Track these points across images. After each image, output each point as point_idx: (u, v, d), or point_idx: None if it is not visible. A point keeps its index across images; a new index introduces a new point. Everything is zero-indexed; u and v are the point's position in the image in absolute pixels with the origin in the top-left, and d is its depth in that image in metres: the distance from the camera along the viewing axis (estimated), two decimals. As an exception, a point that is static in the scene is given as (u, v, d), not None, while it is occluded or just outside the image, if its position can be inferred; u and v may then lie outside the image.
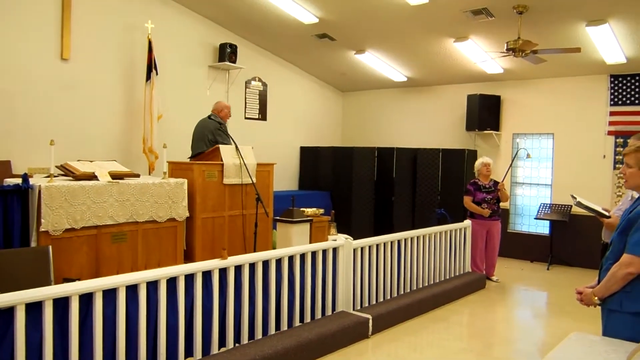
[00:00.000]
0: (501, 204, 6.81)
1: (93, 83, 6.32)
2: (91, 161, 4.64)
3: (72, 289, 2.89)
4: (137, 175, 4.75)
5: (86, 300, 2.95)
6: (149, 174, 6.34)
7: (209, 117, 5.96)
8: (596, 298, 2.54)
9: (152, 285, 3.27)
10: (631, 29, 6.09)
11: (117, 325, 3.07)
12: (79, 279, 3.32)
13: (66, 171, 4.35)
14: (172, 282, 3.38)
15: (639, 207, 2.46)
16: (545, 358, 2.17)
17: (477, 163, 6.88)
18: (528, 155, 7.77)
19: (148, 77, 6.48)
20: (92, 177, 4.28)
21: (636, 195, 2.58)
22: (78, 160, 4.61)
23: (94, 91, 6.33)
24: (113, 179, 4.36)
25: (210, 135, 5.76)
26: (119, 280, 3.10)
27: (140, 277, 3.21)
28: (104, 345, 3.00)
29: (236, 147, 5.41)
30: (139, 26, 6.58)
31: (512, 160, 7.28)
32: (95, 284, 3.00)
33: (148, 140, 6.45)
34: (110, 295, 3.06)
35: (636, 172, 2.51)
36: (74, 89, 6.13)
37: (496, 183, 6.71)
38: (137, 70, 6.67)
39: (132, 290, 3.17)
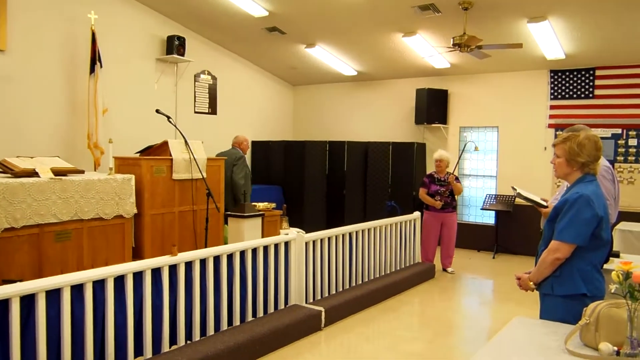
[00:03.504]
0: (456, 196, 6.90)
1: (32, 75, 6.05)
2: (32, 157, 4.44)
3: (13, 290, 2.77)
4: (82, 172, 4.59)
5: (28, 301, 2.84)
6: (95, 170, 6.14)
7: (232, 148, 6.73)
8: (531, 283, 2.67)
9: (99, 285, 3.18)
10: (569, 26, 6.37)
11: (62, 327, 2.97)
12: (21, 280, 3.19)
13: (4, 168, 4.16)
14: (119, 280, 3.30)
15: (565, 196, 2.59)
16: (489, 342, 2.26)
17: (433, 157, 6.96)
18: (476, 148, 7.99)
19: (92, 70, 6.26)
20: (33, 173, 4.11)
21: (569, 185, 2.70)
22: (17, 157, 4.40)
23: (33, 84, 6.06)
24: (55, 175, 4.20)
25: (234, 161, 6.39)
26: (63, 280, 3.00)
27: (86, 276, 3.12)
28: (48, 348, 2.90)
29: (185, 141, 5.32)
30: (81, 17, 6.33)
31: (461, 153, 7.47)
32: (38, 285, 2.89)
33: (93, 135, 6.24)
34: (54, 295, 2.95)
35: (563, 162, 2.63)
36: (12, 82, 5.85)
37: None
38: (80, 63, 6.43)
39: (77, 290, 3.07)
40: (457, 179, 6.79)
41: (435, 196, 6.71)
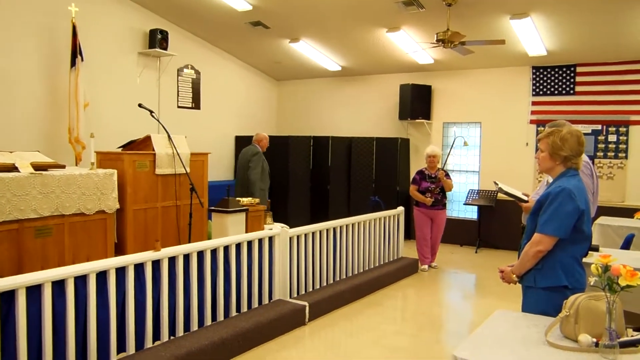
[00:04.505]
0: (447, 192, 6.74)
1: (12, 69, 5.94)
2: (11, 152, 4.37)
3: (-8, 286, 2.73)
4: (63, 166, 4.53)
5: (7, 298, 2.80)
6: (76, 165, 6.07)
7: (252, 144, 6.99)
8: (514, 276, 2.70)
9: (81, 280, 3.15)
10: (551, 22, 6.44)
11: (43, 323, 2.93)
12: (0, 277, 3.14)
13: (-17, 163, 4.08)
14: (102, 276, 3.27)
15: (548, 189, 2.63)
16: (472, 335, 2.29)
17: (425, 153, 6.79)
18: (465, 143, 7.97)
19: (73, 64, 6.17)
20: (13, 168, 4.04)
21: (551, 180, 2.74)
22: (-4, 151, 4.34)
23: (13, 78, 5.95)
24: (36, 170, 4.13)
25: (249, 157, 6.77)
26: (44, 276, 2.96)
27: (67, 272, 3.09)
28: (28, 345, 2.86)
29: (168, 136, 5.27)
30: (61, 10, 6.23)
31: (450, 149, 7.41)
32: (18, 281, 2.85)
33: (74, 129, 6.16)
34: (34, 292, 2.91)
35: (547, 156, 2.67)
36: (-10, 75, 5.75)
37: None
38: (61, 56, 6.34)
39: (58, 286, 3.03)
40: (447, 175, 6.66)
41: (426, 193, 6.57)
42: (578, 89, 7.59)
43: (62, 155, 6.09)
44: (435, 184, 6.58)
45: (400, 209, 6.77)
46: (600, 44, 6.86)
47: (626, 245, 4.62)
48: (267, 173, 6.95)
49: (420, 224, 6.72)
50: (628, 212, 6.42)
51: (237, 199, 5.74)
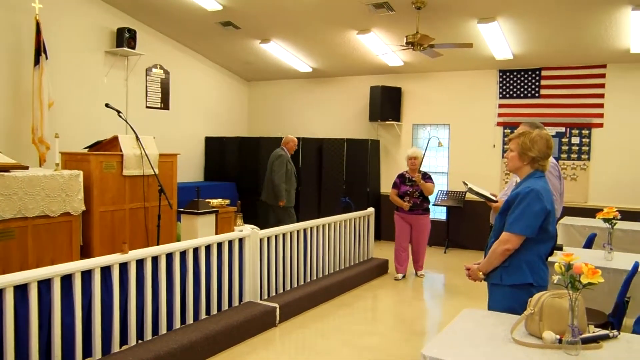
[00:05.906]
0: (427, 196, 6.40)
1: (-28, 67, 5.77)
2: (-29, 152, 4.24)
3: (-50, 291, 2.64)
4: (26, 167, 4.41)
5: (-33, 303, 2.71)
6: (40, 166, 5.91)
7: (279, 147, 7.14)
8: (481, 273, 2.76)
9: (45, 284, 3.07)
10: (517, 27, 6.58)
11: (4, 329, 2.84)
12: (-41, 281, 3.03)
13: (-59, 163, 3.95)
14: (67, 279, 3.19)
15: (516, 190, 2.69)
16: (440, 333, 2.32)
17: (406, 155, 6.49)
18: (440, 144, 8.01)
19: (37, 62, 6.02)
20: (-27, 169, 3.92)
21: (519, 180, 2.81)
22: (-45, 152, 4.20)
23: (-27, 76, 5.78)
24: (-3, 171, 4.02)
25: (273, 160, 6.99)
26: (5, 281, 2.87)
27: (30, 275, 3.00)
28: (-11, 351, 2.78)
29: (136, 137, 5.18)
30: (24, 6, 6.07)
31: (425, 150, 7.35)
32: (-22, 286, 2.76)
33: (38, 129, 6.00)
34: (-5, 296, 2.83)
35: (516, 156, 2.75)
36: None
37: (423, 175, 6.28)
38: (24, 54, 6.17)
39: (21, 290, 2.95)
40: (426, 177, 6.30)
41: (405, 197, 6.32)
42: (543, 92, 7.78)
43: (25, 156, 5.92)
44: (414, 188, 6.32)
45: (371, 210, 6.80)
46: (564, 48, 7.05)
47: (588, 244, 4.76)
48: (293, 174, 7.11)
49: (397, 229, 6.50)
50: (590, 212, 6.59)
51: (207, 200, 5.68)
